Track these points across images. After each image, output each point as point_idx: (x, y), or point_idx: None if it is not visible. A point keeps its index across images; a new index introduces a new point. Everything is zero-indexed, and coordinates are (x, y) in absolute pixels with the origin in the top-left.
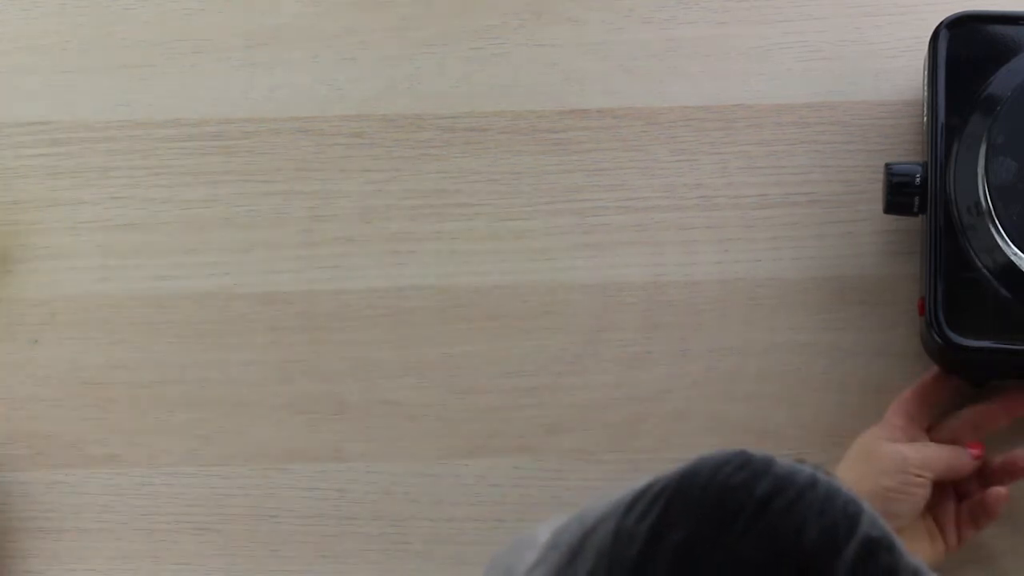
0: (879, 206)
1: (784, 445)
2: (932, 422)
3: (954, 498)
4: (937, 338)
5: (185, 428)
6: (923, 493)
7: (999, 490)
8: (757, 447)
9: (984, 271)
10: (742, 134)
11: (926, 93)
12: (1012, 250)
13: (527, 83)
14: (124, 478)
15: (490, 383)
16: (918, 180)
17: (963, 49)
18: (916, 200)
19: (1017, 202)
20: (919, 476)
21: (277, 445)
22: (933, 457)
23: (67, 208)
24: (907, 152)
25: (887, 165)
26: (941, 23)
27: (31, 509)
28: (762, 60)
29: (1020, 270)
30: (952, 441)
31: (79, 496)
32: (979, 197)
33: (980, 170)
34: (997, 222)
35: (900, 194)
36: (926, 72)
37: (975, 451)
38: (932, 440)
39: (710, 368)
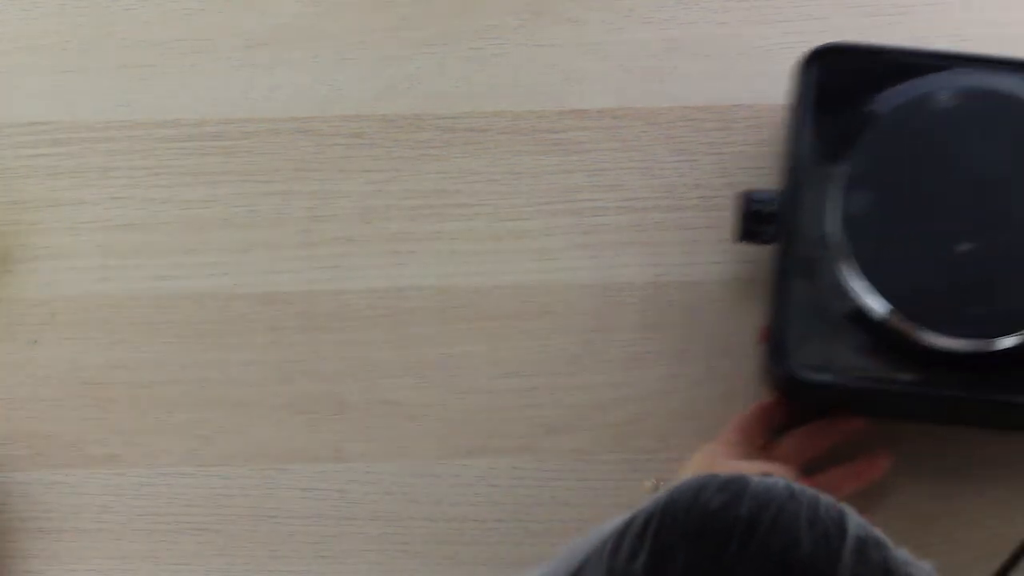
0: None
1: None
2: (769, 441)
3: None
4: (778, 370)
5: (185, 428)
6: None
7: None
8: None
9: (830, 303)
10: (742, 134)
11: (789, 121)
12: (861, 284)
13: (527, 83)
14: (124, 478)
15: (490, 383)
16: (772, 209)
17: (829, 80)
18: (769, 229)
19: (869, 236)
20: None
21: (277, 445)
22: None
23: (67, 208)
24: None
25: (742, 192)
26: (808, 52)
27: (31, 509)
28: (762, 60)
29: (866, 304)
30: (786, 460)
31: (79, 496)
32: (832, 229)
33: (835, 202)
34: (848, 255)
35: (753, 222)
36: (790, 100)
37: None
38: (767, 459)
39: (710, 368)
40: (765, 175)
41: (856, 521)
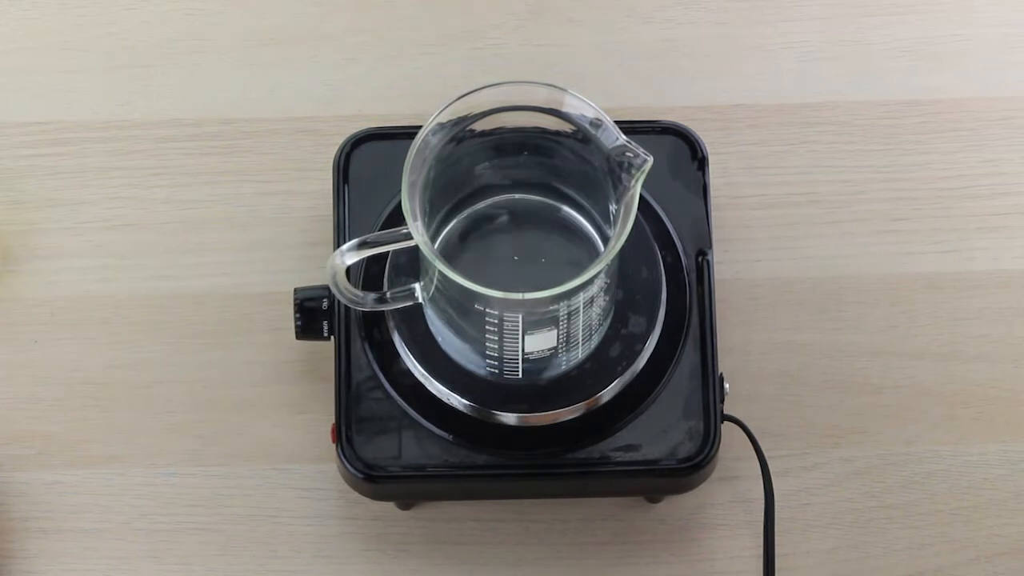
0: (879, 206)
1: (784, 445)
2: None
3: None
4: (350, 468)
5: (185, 428)
6: None
7: None
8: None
9: (395, 394)
10: (742, 134)
11: (334, 213)
12: (419, 372)
13: None
14: (124, 478)
15: None
16: (325, 304)
17: (369, 166)
18: (325, 324)
19: (420, 322)
20: None
21: (277, 445)
22: None
23: (67, 208)
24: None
25: (295, 290)
26: (346, 141)
27: (31, 509)
28: (762, 60)
29: (429, 391)
30: None
31: (79, 496)
32: (384, 318)
33: (384, 290)
34: (403, 344)
35: (308, 319)
36: (334, 192)
37: None
38: None
39: None
40: (764, 175)
41: None
